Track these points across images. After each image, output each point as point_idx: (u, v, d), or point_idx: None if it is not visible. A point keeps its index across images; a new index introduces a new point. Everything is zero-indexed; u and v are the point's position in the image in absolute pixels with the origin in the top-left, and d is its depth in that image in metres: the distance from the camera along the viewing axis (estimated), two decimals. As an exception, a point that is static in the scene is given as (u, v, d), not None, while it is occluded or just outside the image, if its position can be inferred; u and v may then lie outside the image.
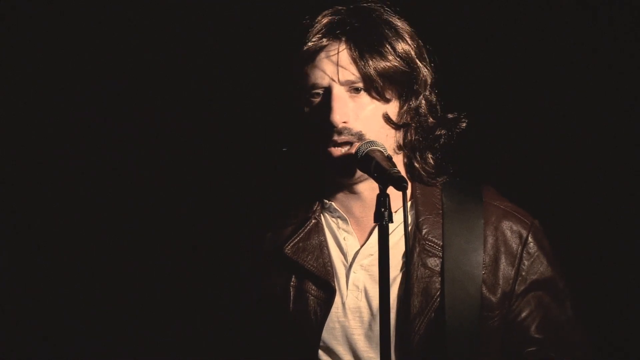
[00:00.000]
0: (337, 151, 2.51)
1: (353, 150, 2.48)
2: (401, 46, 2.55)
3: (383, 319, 2.25)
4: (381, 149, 2.44)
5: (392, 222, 2.24)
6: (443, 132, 2.65)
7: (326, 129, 2.49)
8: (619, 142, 3.49)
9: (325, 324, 2.55)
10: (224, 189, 3.50)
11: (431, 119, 2.62)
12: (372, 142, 2.46)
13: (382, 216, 2.24)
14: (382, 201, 2.24)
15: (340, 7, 2.59)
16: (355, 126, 2.50)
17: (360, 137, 2.50)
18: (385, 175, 2.29)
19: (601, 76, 3.47)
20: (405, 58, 2.54)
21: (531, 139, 3.53)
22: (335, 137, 2.49)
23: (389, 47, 2.52)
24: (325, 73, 2.49)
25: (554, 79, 3.51)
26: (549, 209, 2.89)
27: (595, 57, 3.47)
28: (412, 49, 2.57)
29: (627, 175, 3.47)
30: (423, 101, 2.61)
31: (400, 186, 2.23)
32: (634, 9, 3.41)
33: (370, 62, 2.48)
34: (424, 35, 2.65)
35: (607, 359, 3.29)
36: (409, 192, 2.43)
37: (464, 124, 2.68)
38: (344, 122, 2.49)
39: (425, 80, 2.60)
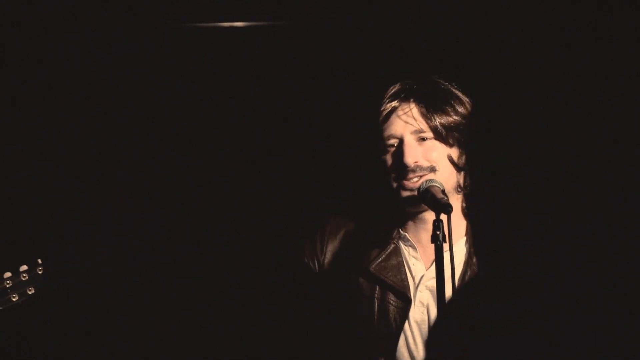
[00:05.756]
0: (411, 184, 3.00)
1: (417, 185, 2.96)
2: (459, 107, 3.07)
3: (438, 324, 2.63)
4: (438, 185, 2.92)
5: (445, 242, 2.73)
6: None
7: (401, 170, 3.00)
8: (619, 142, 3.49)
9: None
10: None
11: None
12: (431, 180, 2.94)
13: (437, 238, 2.74)
14: (436, 225, 2.75)
15: (407, 80, 3.12)
16: (425, 163, 3.00)
17: (432, 169, 3.00)
18: (436, 203, 2.80)
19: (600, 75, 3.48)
20: (463, 116, 3.06)
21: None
22: (410, 175, 2.99)
23: (449, 107, 3.06)
24: (398, 126, 3.03)
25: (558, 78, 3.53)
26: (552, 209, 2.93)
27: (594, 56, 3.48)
28: (467, 110, 3.08)
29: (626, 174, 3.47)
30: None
31: (446, 210, 2.74)
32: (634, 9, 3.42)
33: (435, 116, 3.02)
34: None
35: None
36: (464, 227, 3.07)
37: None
38: (415, 162, 2.99)
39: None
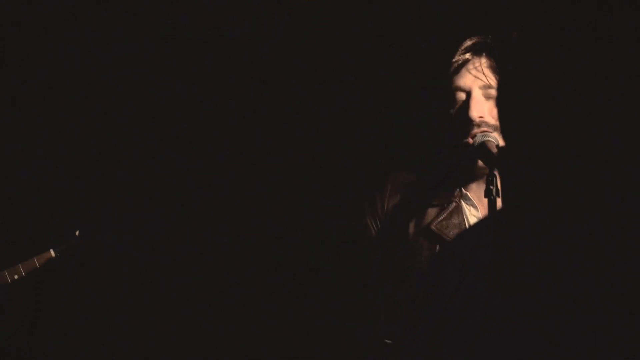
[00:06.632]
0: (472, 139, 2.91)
1: (471, 141, 2.88)
2: None
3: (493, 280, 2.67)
4: (493, 139, 2.84)
5: (499, 196, 2.66)
6: None
7: (465, 124, 2.91)
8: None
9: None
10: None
11: None
12: (487, 134, 2.87)
13: (490, 192, 2.67)
14: (489, 180, 2.67)
15: (482, 35, 3.08)
16: (491, 120, 2.92)
17: (496, 128, 2.90)
18: (489, 157, 2.75)
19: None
20: None
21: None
22: (475, 130, 2.89)
23: None
24: (467, 79, 2.97)
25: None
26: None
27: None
28: None
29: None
30: None
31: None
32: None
33: None
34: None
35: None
36: None
37: None
38: (480, 117, 2.91)
39: None
